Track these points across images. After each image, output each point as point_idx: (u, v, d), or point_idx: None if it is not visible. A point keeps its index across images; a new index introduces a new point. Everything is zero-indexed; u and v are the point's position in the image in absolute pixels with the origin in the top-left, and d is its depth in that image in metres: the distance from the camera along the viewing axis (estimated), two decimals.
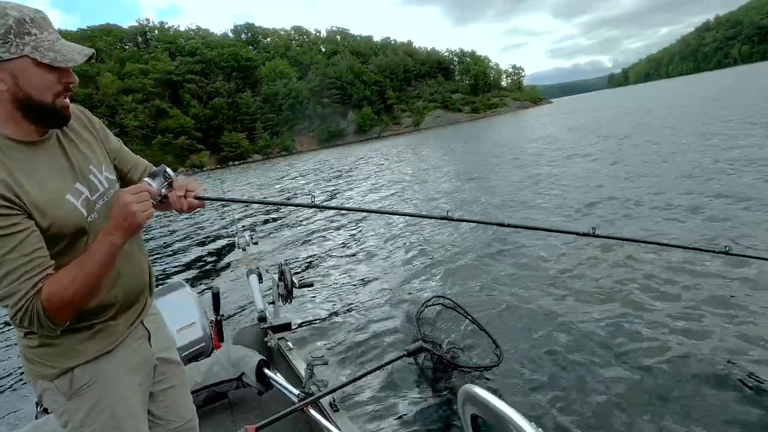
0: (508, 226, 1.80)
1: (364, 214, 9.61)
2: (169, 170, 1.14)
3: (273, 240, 8.80)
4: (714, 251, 1.90)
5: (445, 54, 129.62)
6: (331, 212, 10.75)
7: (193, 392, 2.08)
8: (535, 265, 4.75)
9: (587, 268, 4.43)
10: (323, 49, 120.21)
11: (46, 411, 2.06)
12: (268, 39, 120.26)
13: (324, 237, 8.30)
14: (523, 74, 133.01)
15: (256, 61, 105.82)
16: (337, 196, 14.29)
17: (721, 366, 2.67)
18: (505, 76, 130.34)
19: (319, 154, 63.62)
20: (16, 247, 0.93)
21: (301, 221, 10.34)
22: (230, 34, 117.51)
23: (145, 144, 78.62)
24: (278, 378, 2.12)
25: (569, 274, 4.35)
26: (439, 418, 2.64)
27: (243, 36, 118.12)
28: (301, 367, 2.31)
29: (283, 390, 2.05)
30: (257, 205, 13.33)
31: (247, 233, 3.22)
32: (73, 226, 1.04)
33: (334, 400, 1.98)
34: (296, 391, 1.98)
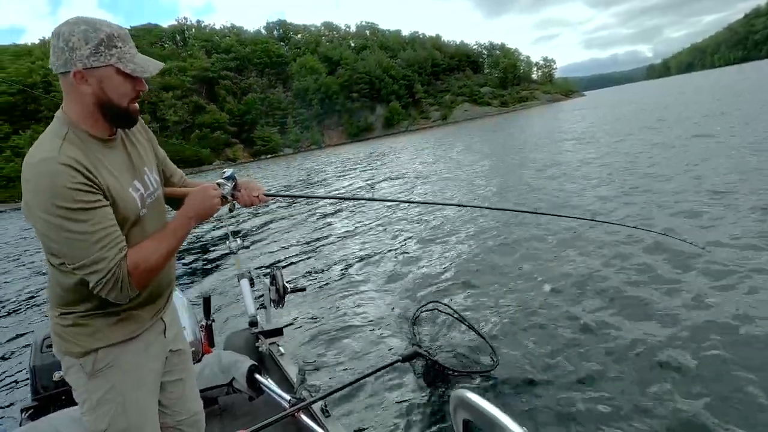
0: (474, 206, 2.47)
1: (362, 213, 9.71)
2: (235, 174, 1.44)
3: (265, 244, 8.74)
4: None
5: (474, 47, 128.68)
6: (328, 214, 10.48)
7: None
8: (533, 270, 4.65)
9: (586, 273, 4.32)
10: (352, 45, 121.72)
11: (30, 418, 2.13)
12: (299, 35, 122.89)
13: (318, 241, 8.19)
14: (554, 67, 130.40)
15: (287, 57, 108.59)
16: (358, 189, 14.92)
17: (727, 371, 2.62)
18: (535, 68, 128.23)
19: (347, 148, 65.11)
20: (102, 219, 1.06)
21: (294, 225, 10.21)
22: (263, 31, 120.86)
23: (183, 138, 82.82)
24: (269, 383, 2.13)
25: (568, 280, 4.24)
26: (434, 425, 2.62)
27: (275, 33, 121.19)
28: (293, 373, 2.33)
29: (274, 395, 2.06)
30: (250, 207, 14.17)
31: (239, 237, 3.32)
32: (132, 217, 1.18)
33: (325, 406, 2.00)
34: (287, 397, 2.00)
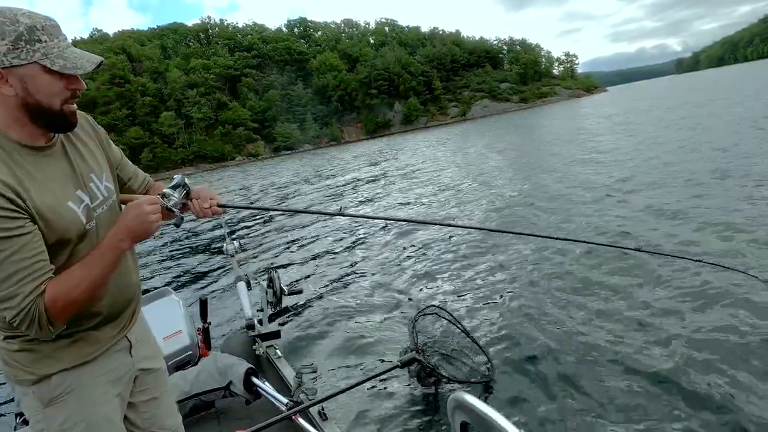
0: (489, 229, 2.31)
1: (362, 220, 9.35)
2: (186, 180, 1.26)
3: (263, 247, 8.62)
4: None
5: (494, 43, 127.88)
6: (327, 218, 10.09)
7: (179, 401, 2.10)
8: (534, 278, 4.54)
9: (585, 283, 4.22)
10: (372, 41, 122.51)
11: (26, 422, 2.06)
12: (319, 32, 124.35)
13: (316, 244, 8.03)
14: (576, 62, 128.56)
15: (307, 55, 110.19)
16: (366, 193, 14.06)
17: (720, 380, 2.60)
18: (557, 64, 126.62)
19: (363, 144, 66.03)
20: (20, 249, 0.94)
21: (292, 228, 9.91)
22: (284, 29, 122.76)
23: (207, 134, 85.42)
24: (266, 387, 2.12)
25: (569, 289, 4.15)
26: (431, 430, 2.63)
27: (295, 30, 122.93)
28: (290, 376, 2.29)
29: (271, 399, 2.05)
30: (247, 210, 13.35)
31: (236, 240, 3.28)
32: (73, 234, 1.05)
33: (322, 409, 1.99)
34: (284, 400, 1.99)
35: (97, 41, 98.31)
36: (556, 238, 1.84)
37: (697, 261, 2.39)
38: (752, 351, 2.80)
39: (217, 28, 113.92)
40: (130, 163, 1.38)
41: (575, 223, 6.27)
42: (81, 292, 1.01)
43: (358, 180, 17.68)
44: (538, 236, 1.87)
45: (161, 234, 12.28)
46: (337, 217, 10.43)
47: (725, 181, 6.95)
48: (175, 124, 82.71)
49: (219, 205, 1.29)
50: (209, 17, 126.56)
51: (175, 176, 1.28)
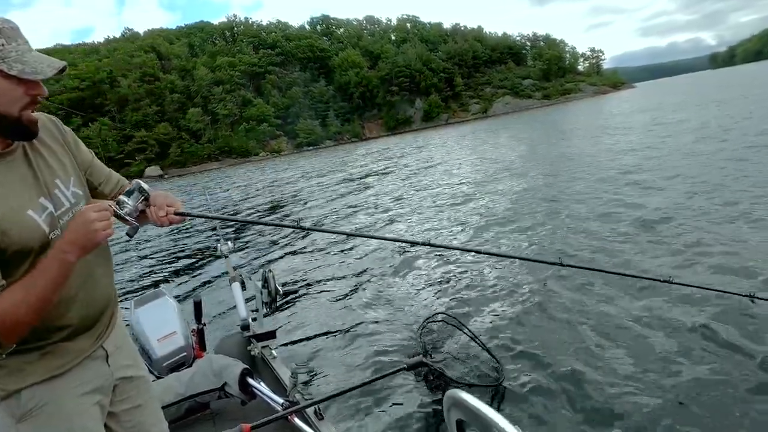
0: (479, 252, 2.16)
1: (363, 212, 9.22)
2: (144, 185, 1.17)
3: (258, 246, 8.51)
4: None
5: (517, 38, 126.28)
6: (325, 215, 9.87)
7: (174, 403, 2.14)
8: (547, 300, 4.30)
9: (603, 307, 3.97)
10: (393, 38, 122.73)
11: None
12: (341, 30, 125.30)
13: (312, 243, 7.81)
14: (602, 57, 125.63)
15: (329, 52, 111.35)
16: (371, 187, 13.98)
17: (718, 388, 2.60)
18: (582, 59, 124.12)
19: (385, 140, 66.43)
20: None
21: (288, 228, 9.42)
22: (306, 26, 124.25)
23: (232, 130, 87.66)
24: (262, 387, 2.12)
25: (585, 310, 3.96)
26: None
27: (318, 28, 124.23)
28: (285, 376, 2.29)
29: (267, 399, 2.05)
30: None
31: (230, 240, 3.21)
32: (35, 243, 1.00)
33: (318, 409, 1.98)
34: (280, 400, 1.99)
35: (129, 40, 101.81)
36: (569, 266, 1.84)
37: (733, 294, 2.27)
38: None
39: (242, 26, 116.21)
40: (103, 165, 1.31)
41: (589, 242, 5.51)
42: (27, 310, 0.94)
43: (363, 178, 17.84)
44: (546, 263, 2.13)
45: (155, 235, 11.86)
46: (353, 207, 10.53)
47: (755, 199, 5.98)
48: (202, 120, 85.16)
49: (177, 213, 1.22)
50: (235, 15, 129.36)
51: (133, 181, 1.22)
